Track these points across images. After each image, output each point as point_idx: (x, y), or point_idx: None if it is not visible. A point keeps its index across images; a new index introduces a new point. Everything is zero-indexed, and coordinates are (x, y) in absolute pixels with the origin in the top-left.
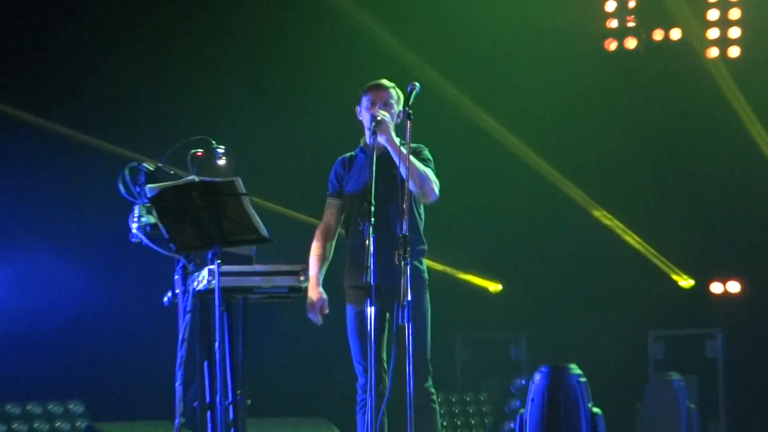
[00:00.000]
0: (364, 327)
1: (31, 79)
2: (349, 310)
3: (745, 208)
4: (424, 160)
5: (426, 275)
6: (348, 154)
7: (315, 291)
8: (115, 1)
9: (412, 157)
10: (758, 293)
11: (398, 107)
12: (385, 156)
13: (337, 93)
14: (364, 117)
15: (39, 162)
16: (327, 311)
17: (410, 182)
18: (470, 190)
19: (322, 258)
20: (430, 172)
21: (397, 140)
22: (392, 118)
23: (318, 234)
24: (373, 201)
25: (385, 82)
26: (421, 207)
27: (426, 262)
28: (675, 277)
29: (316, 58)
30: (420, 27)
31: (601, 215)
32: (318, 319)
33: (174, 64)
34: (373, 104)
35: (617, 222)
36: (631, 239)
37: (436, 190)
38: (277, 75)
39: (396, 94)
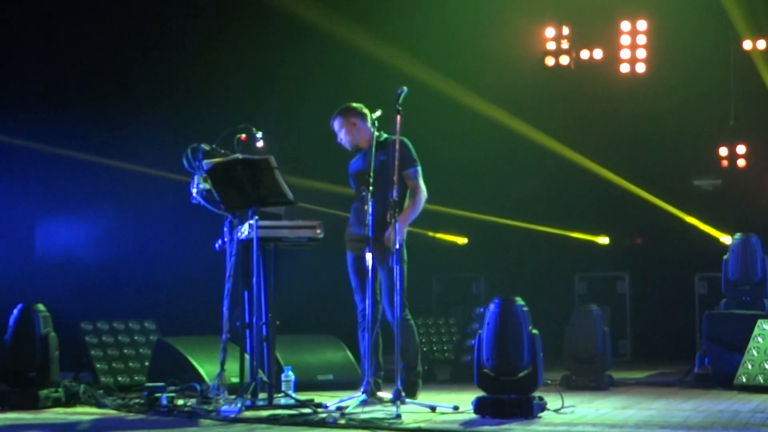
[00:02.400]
0: (359, 268)
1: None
2: (348, 255)
3: (648, 184)
4: (410, 161)
5: (405, 235)
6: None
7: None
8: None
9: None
10: (655, 247)
11: (366, 123)
12: (378, 144)
13: (348, 91)
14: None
15: (126, 151)
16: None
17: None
18: (452, 172)
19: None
20: (420, 201)
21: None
22: (352, 138)
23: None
24: (371, 174)
25: (352, 105)
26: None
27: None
28: (594, 238)
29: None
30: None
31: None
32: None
33: (226, 72)
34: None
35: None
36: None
37: (424, 201)
38: (306, 81)
39: (366, 113)
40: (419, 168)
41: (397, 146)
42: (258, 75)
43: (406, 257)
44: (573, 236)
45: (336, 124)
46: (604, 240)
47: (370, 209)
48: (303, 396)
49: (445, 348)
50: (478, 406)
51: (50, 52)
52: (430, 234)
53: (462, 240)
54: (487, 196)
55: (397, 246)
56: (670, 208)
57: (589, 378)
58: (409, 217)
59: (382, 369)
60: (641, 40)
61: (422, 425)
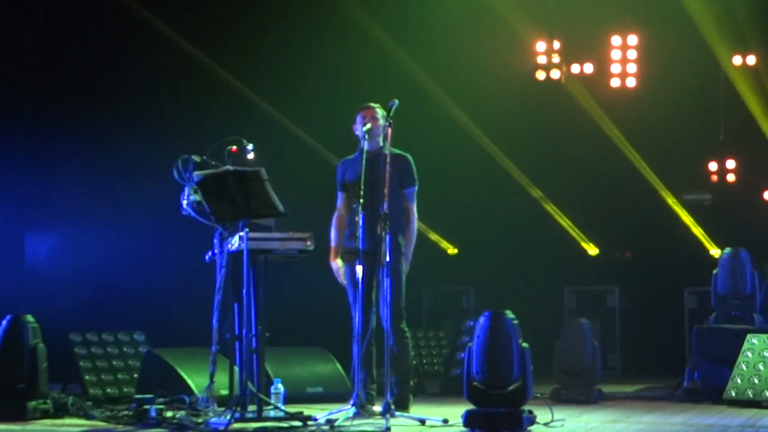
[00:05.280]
0: (355, 281)
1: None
2: (345, 268)
3: (638, 198)
4: (411, 180)
5: (403, 248)
6: (348, 157)
7: (334, 262)
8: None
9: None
10: (645, 261)
11: (382, 121)
12: (374, 156)
13: (340, 101)
14: (359, 130)
15: (116, 163)
16: (342, 279)
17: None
18: (443, 183)
19: (340, 237)
20: (413, 228)
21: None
22: (379, 130)
23: (334, 220)
24: (362, 187)
25: (371, 103)
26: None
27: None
28: (585, 245)
29: (327, 74)
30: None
31: (538, 195)
32: (340, 280)
33: (216, 83)
34: (364, 119)
35: (551, 205)
36: (557, 215)
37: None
38: (298, 92)
39: (380, 111)
40: (416, 189)
41: (388, 159)
42: (249, 85)
43: (406, 270)
44: (562, 249)
45: (377, 111)
46: (593, 251)
47: (361, 221)
48: (292, 408)
49: (435, 361)
50: (468, 419)
51: (39, 65)
52: (423, 232)
53: (452, 250)
54: (477, 208)
55: (388, 259)
56: (659, 222)
57: (579, 391)
58: (411, 242)
59: (375, 382)
60: (632, 54)
61: None
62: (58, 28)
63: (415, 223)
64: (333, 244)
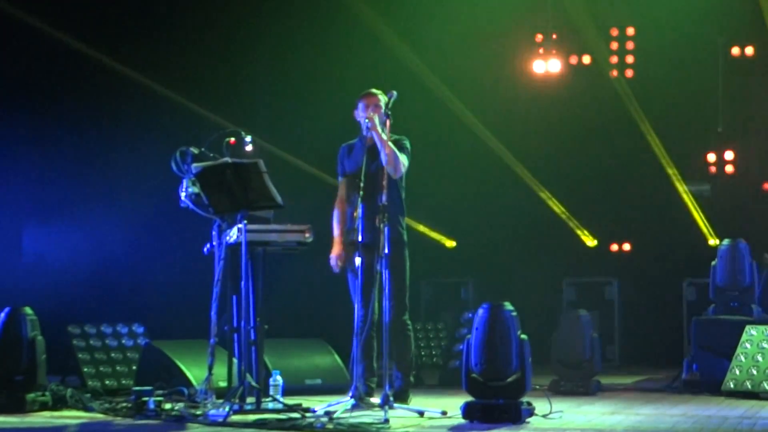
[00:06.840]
0: (356, 273)
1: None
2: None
3: (636, 190)
4: (401, 148)
5: (405, 237)
6: (350, 142)
7: (337, 247)
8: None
9: (388, 141)
10: (644, 252)
11: (384, 108)
12: (374, 146)
13: (343, 91)
14: (360, 117)
15: (114, 155)
16: (340, 264)
17: (385, 157)
18: (441, 176)
19: (342, 222)
20: (400, 155)
21: (380, 129)
22: (381, 118)
23: (336, 206)
24: (362, 179)
25: (374, 90)
26: (402, 188)
27: (406, 225)
28: (583, 238)
29: (328, 61)
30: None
31: (536, 187)
32: (336, 266)
33: (214, 75)
34: (366, 108)
35: (550, 196)
36: (556, 207)
37: (402, 169)
38: (297, 76)
39: (383, 98)
40: (407, 161)
41: (387, 149)
42: (248, 78)
43: (407, 259)
44: (561, 240)
45: (379, 99)
46: (592, 243)
47: (360, 212)
48: (291, 400)
49: (434, 353)
50: (467, 411)
51: (37, 56)
52: (421, 228)
53: (450, 243)
54: (475, 200)
55: (387, 251)
56: (658, 214)
57: (578, 383)
58: (386, 142)
59: (375, 375)
60: (630, 46)
61: (410, 430)
62: (54, 18)
63: (403, 159)
64: (335, 234)
